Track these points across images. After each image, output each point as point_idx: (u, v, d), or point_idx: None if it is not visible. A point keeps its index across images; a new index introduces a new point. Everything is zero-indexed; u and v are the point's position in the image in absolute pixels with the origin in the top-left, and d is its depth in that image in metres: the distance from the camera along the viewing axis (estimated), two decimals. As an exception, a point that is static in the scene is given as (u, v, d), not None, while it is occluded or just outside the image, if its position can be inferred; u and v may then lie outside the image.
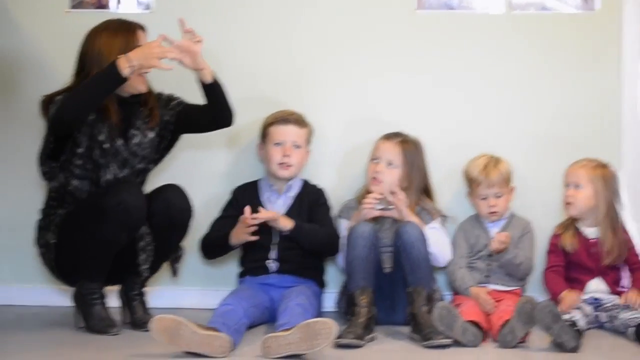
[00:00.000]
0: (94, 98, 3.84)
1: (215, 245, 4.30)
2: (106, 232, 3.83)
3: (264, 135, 4.35)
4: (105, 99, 3.87)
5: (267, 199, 4.35)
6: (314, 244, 4.24)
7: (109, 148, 3.96)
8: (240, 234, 4.17)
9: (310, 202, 4.35)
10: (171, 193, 4.01)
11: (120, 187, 3.92)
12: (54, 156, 3.97)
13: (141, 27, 4.05)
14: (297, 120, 4.33)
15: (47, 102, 3.93)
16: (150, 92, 4.09)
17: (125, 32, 3.99)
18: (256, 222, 4.12)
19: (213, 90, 4.00)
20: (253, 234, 4.14)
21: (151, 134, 4.07)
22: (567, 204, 4.20)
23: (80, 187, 3.97)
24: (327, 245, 4.28)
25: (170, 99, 4.15)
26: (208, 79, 3.97)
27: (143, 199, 3.92)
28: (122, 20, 4.07)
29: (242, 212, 4.15)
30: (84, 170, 3.96)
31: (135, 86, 3.98)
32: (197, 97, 4.06)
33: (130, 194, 3.87)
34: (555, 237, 4.27)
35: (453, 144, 4.50)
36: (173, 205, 3.99)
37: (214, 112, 4.05)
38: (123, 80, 3.81)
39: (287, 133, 4.31)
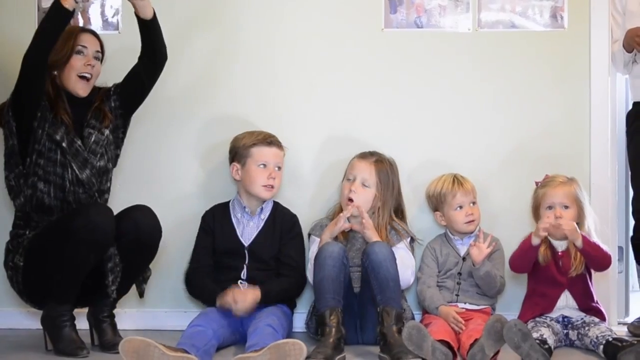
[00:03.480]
0: (46, 34, 3.88)
1: (205, 294, 4.23)
2: (74, 253, 3.82)
3: (244, 155, 4.29)
4: (56, 34, 3.89)
5: (238, 220, 4.32)
6: (282, 300, 4.24)
7: (67, 148, 3.97)
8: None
9: (283, 228, 4.34)
10: (140, 213, 4.00)
11: (89, 207, 3.91)
12: (20, 161, 3.97)
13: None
14: (277, 142, 4.32)
15: (1, 109, 3.99)
16: (98, 94, 4.12)
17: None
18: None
19: (153, 25, 4.03)
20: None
21: (107, 131, 4.09)
22: (558, 225, 4.10)
23: (46, 191, 3.96)
24: (294, 295, 4.33)
25: (107, 90, 4.17)
26: (149, 15, 4.00)
27: (111, 218, 3.90)
28: None
29: (215, 237, 4.23)
30: (46, 172, 3.95)
31: (74, 89, 4.04)
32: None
33: (98, 214, 3.86)
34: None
35: (422, 161, 4.50)
36: (142, 226, 3.97)
37: (152, 51, 4.07)
38: (68, 13, 3.84)
39: (271, 155, 4.29)
